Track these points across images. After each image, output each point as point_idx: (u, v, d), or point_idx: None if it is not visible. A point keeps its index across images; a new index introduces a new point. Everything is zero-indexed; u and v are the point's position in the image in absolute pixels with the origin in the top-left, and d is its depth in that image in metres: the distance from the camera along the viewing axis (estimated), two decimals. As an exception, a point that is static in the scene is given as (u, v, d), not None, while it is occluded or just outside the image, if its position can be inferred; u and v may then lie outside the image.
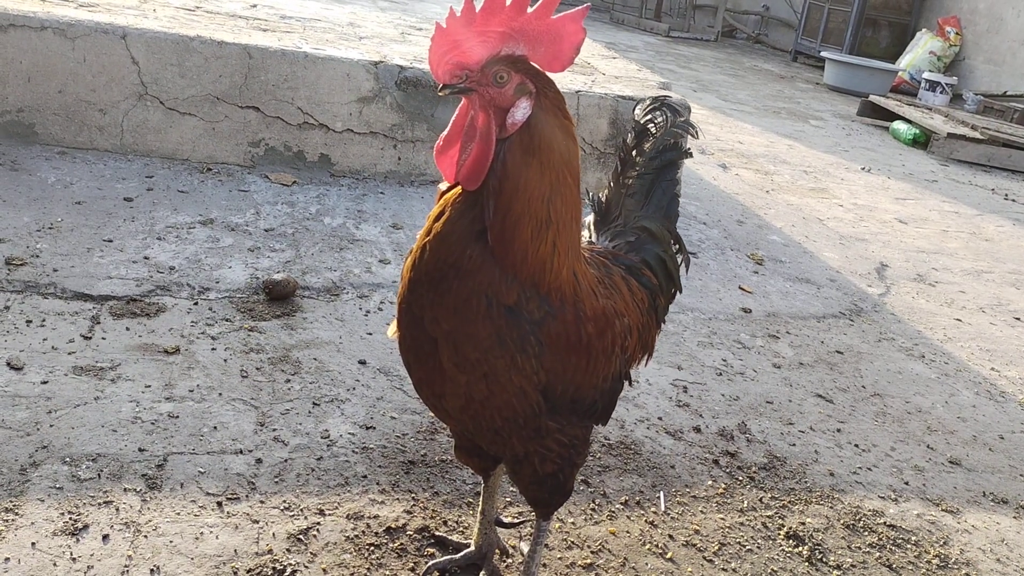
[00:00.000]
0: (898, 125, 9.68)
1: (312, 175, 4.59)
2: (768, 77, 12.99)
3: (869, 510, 2.77)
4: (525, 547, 2.30)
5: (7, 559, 1.98)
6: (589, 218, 2.18)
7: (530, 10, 1.61)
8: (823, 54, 13.32)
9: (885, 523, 2.71)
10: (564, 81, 5.14)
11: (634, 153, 2.16)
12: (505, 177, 1.61)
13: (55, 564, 1.98)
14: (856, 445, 3.15)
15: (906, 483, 2.96)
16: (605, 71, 5.70)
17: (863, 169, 7.79)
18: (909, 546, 2.62)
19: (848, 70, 12.37)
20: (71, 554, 2.03)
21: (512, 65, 1.60)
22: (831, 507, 2.75)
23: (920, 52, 12.94)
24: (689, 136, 2.20)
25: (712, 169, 6.85)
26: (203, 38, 4.38)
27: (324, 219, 4.14)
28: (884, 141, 9.44)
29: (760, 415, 3.24)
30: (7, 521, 2.09)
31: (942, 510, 2.85)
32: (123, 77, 4.32)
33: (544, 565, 2.26)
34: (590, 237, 2.14)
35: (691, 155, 2.25)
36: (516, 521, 2.39)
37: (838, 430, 3.23)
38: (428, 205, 4.52)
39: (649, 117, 2.17)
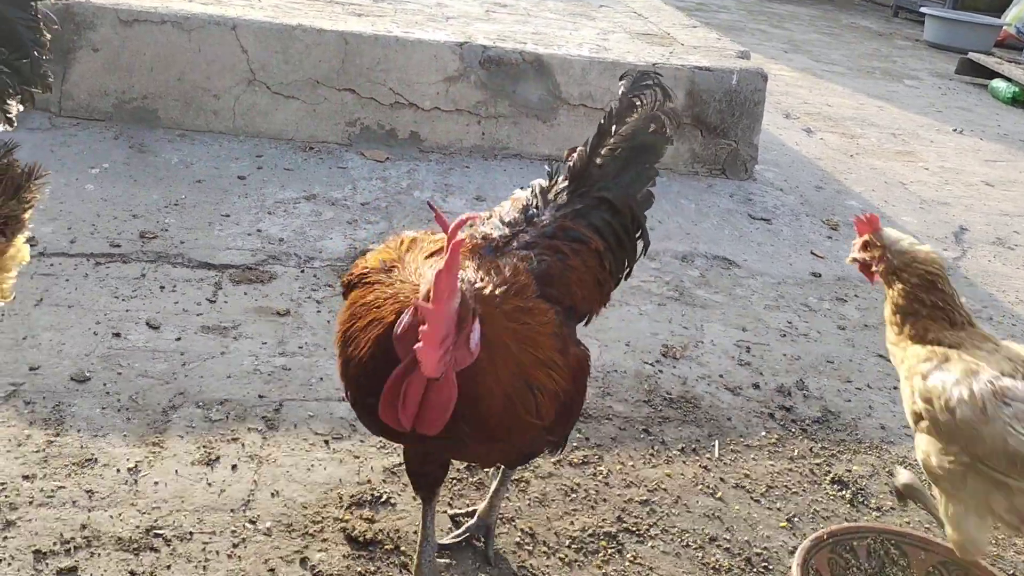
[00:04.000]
0: (997, 83, 9.43)
1: (403, 151, 4.95)
2: (865, 35, 12.70)
3: (915, 460, 2.96)
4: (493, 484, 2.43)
5: (156, 482, 2.41)
6: (537, 182, 2.26)
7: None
8: (923, 9, 12.92)
9: (930, 472, 2.91)
10: (642, 54, 5.34)
11: (614, 126, 2.23)
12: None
13: (195, 486, 2.40)
14: (911, 401, 3.32)
15: (956, 437, 3.13)
16: (684, 41, 5.85)
17: (955, 131, 7.68)
18: (951, 493, 2.82)
19: (949, 25, 11.99)
20: (207, 480, 2.44)
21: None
22: (878, 457, 2.96)
23: (1028, 4, 12.40)
24: (671, 126, 2.27)
25: (796, 134, 6.91)
26: (304, 26, 4.76)
27: (414, 193, 4.50)
28: (982, 100, 9.21)
29: (820, 373, 3.44)
30: (155, 453, 2.52)
31: (989, 462, 3.01)
32: (234, 65, 4.75)
33: (604, 500, 2.57)
34: (535, 204, 2.20)
35: (672, 143, 2.32)
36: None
37: (895, 387, 3.40)
38: (510, 178, 4.82)
39: (638, 91, 2.25)
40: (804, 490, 2.74)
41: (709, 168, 5.38)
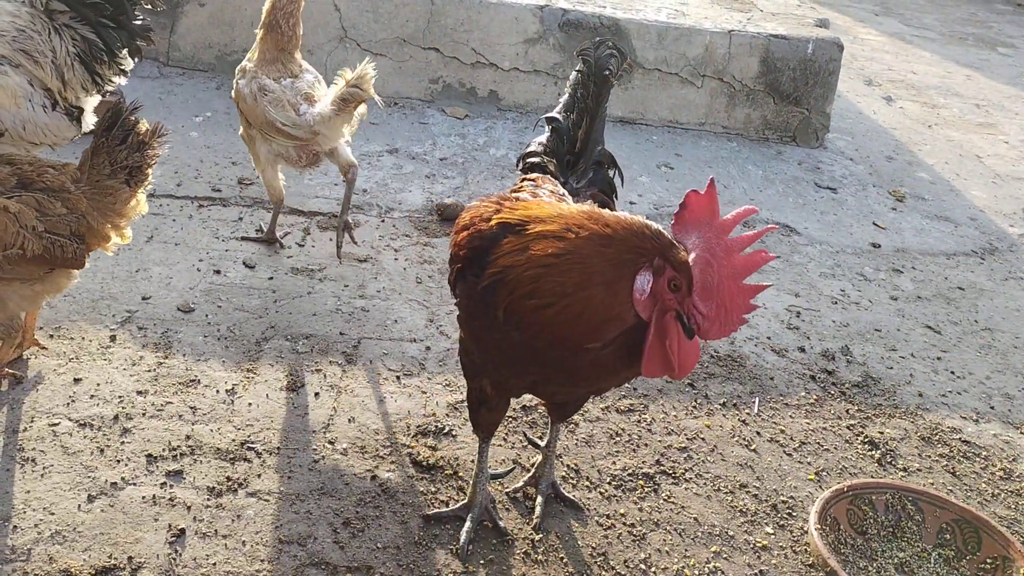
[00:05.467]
0: (1098, 53, 9.09)
1: (482, 109, 5.18)
2: (963, -2, 12.28)
3: (948, 427, 3.12)
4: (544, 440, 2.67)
5: (250, 403, 2.75)
6: (539, 143, 2.59)
7: None
8: (1028, -28, 12.38)
9: (960, 439, 3.07)
10: (719, 20, 5.43)
11: (598, 99, 2.57)
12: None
13: (282, 409, 2.74)
14: (952, 372, 3.46)
15: (992, 407, 3.27)
16: (763, 7, 5.90)
17: (1043, 103, 7.51)
18: (978, 459, 2.98)
19: (1054, -10, 11.50)
20: (293, 404, 2.78)
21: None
22: (912, 422, 3.12)
23: None
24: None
25: (875, 102, 6.89)
26: (393, -13, 5.00)
27: (490, 150, 4.74)
28: (1079, 71, 8.91)
29: (866, 341, 3.60)
30: (249, 378, 2.86)
31: (1020, 433, 3.15)
32: (327, 22, 5.03)
33: (645, 444, 2.82)
34: (560, 178, 2.51)
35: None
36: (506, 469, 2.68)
37: (938, 358, 3.54)
38: (583, 138, 5.01)
39: (604, 62, 2.58)
40: (836, 448, 2.94)
41: (780, 135, 5.47)
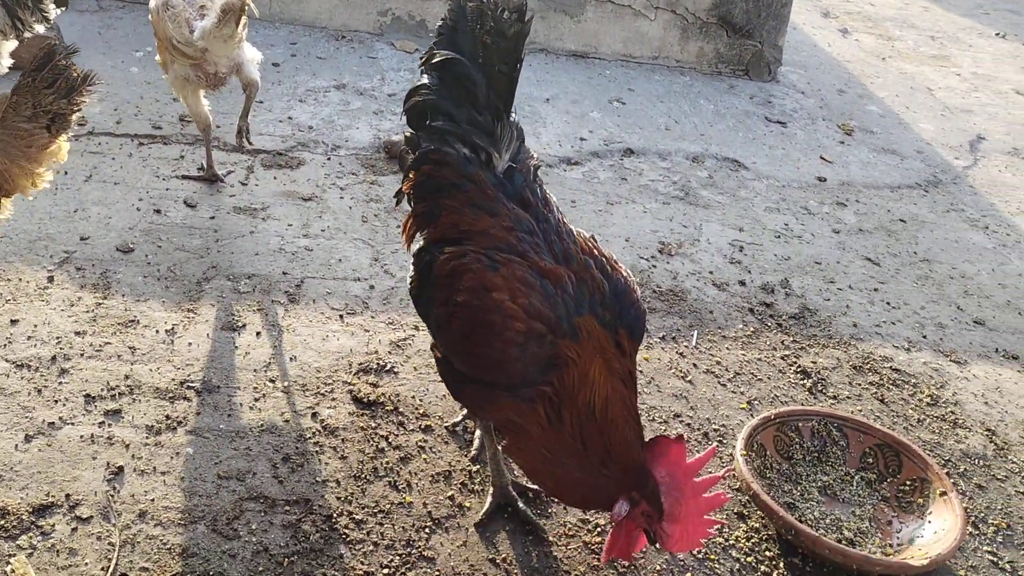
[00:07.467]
0: (1054, -16, 9.10)
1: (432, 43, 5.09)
2: (926, -73, 12.19)
3: (879, 356, 3.21)
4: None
5: (190, 343, 2.76)
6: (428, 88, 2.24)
7: None
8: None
9: (891, 367, 3.16)
10: (673, -50, 5.36)
11: (524, 38, 2.15)
12: None
13: (223, 348, 2.76)
14: (888, 303, 3.55)
15: (924, 336, 3.37)
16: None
17: (997, 35, 7.55)
18: (906, 386, 3.08)
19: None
20: (234, 343, 2.79)
21: None
22: (844, 351, 3.21)
23: None
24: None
25: (830, 35, 6.88)
26: (338, -85, 4.87)
27: (439, 85, 4.68)
28: (1036, 2, 8.94)
29: (805, 273, 3.67)
30: (189, 318, 2.86)
31: (950, 360, 3.25)
32: (270, -47, 4.90)
33: (584, 377, 2.87)
34: (500, 155, 2.20)
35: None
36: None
37: (875, 289, 3.63)
38: (535, 74, 4.97)
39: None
40: (769, 377, 3.02)
41: (733, 69, 5.46)
